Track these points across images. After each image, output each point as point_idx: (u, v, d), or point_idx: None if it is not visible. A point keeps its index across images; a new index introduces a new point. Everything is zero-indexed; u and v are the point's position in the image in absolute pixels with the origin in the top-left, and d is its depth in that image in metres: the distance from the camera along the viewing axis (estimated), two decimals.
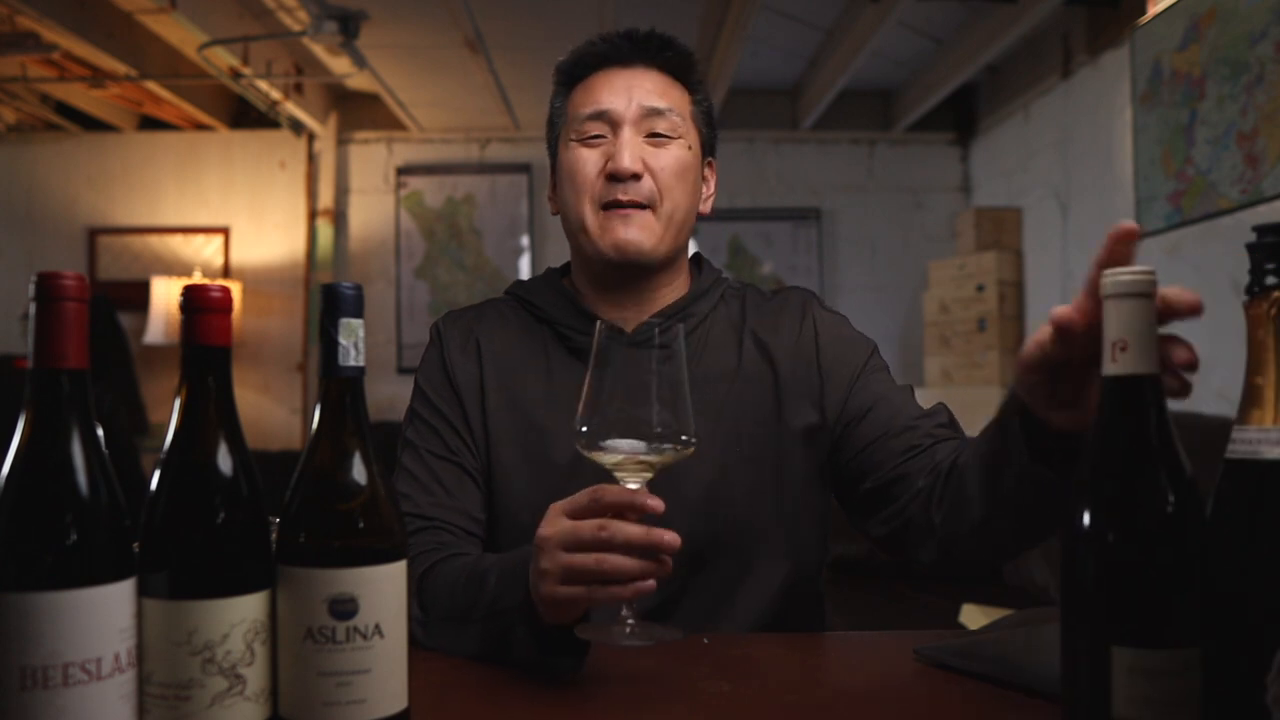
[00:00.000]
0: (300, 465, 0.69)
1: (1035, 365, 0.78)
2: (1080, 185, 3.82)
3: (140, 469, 3.22)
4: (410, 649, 0.70)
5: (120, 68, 3.81)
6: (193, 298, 0.66)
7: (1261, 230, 0.61)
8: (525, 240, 4.95)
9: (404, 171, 4.96)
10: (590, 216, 1.13)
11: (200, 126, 4.80)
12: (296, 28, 3.71)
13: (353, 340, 0.69)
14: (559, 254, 1.30)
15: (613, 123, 1.14)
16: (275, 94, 4.20)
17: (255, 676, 0.64)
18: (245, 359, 4.71)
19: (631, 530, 0.78)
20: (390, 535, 0.69)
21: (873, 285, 4.96)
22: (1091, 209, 3.73)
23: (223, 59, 3.79)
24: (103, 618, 0.59)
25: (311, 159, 4.89)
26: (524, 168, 4.95)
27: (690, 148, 1.16)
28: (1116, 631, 0.61)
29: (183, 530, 0.64)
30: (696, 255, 1.27)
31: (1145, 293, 0.63)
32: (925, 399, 1.13)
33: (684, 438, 0.83)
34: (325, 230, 4.89)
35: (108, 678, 0.59)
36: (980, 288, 4.23)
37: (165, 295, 4.42)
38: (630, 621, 0.82)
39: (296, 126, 4.70)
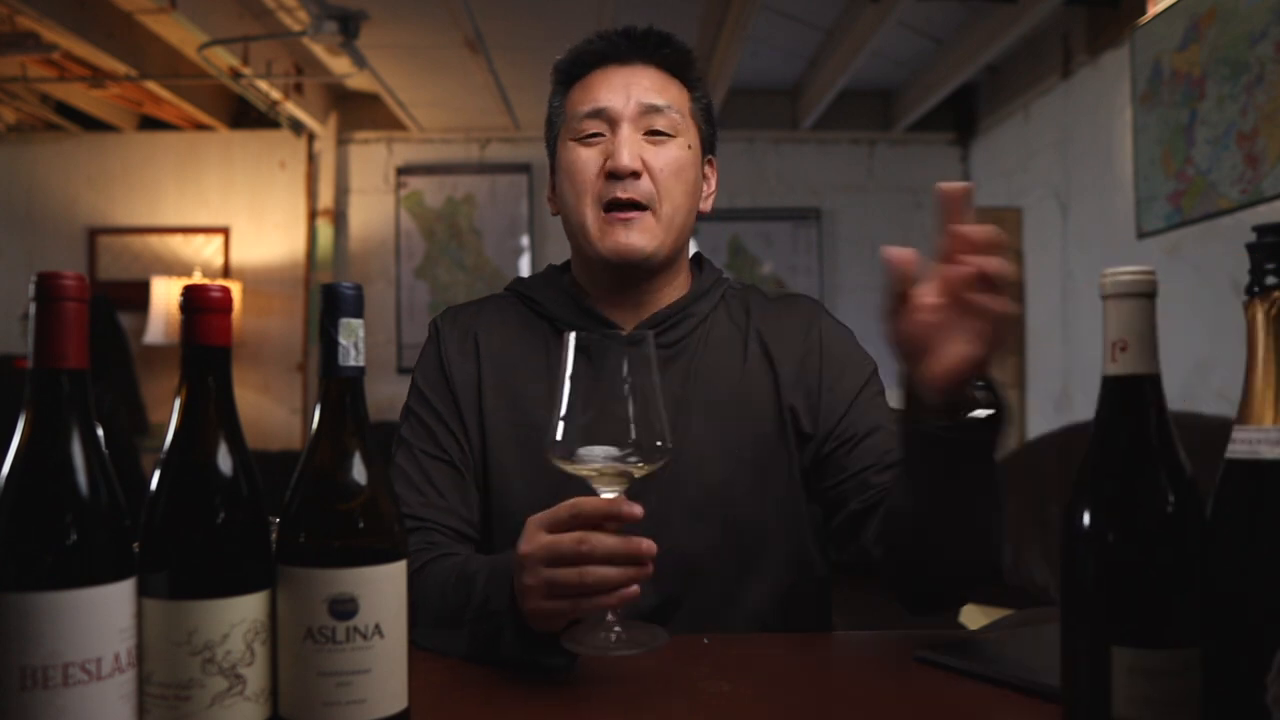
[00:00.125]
0: (300, 465, 0.69)
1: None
2: (1080, 185, 3.82)
3: (140, 469, 3.22)
4: (410, 649, 0.70)
5: (120, 68, 3.81)
6: (193, 298, 0.66)
7: (1261, 230, 0.61)
8: (525, 240, 4.95)
9: (404, 171, 4.96)
10: (591, 218, 1.13)
11: (200, 126, 4.80)
12: (296, 28, 3.71)
13: (353, 340, 0.69)
14: (559, 254, 1.29)
15: (611, 120, 1.13)
16: (275, 94, 4.20)
17: (255, 676, 0.64)
18: (245, 359, 4.70)
19: (610, 542, 0.79)
20: (390, 535, 0.69)
21: (873, 285, 4.95)
22: (1091, 209, 3.73)
23: (223, 59, 3.79)
24: (103, 618, 0.59)
25: (311, 159, 4.89)
26: (524, 168, 4.95)
27: (690, 146, 1.16)
28: (1116, 631, 0.61)
29: (183, 530, 0.64)
30: (697, 255, 1.27)
31: (1145, 293, 0.63)
32: None
33: (658, 444, 0.83)
34: (325, 230, 4.89)
35: (108, 678, 0.59)
36: None
37: (165, 295, 4.41)
38: (617, 629, 0.82)
39: (296, 126, 4.70)
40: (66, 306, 0.61)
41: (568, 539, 0.80)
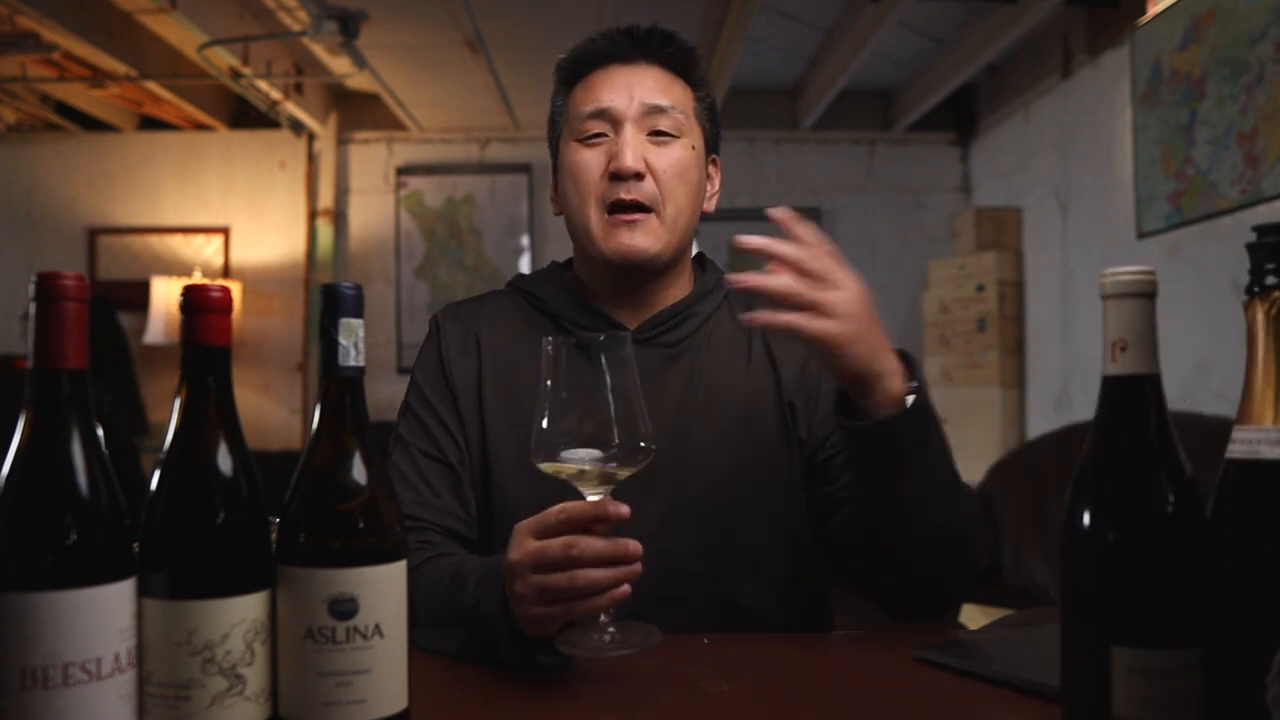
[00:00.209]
0: (300, 465, 0.69)
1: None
2: (1080, 185, 3.82)
3: (140, 469, 3.22)
4: (410, 649, 0.70)
5: (120, 68, 3.81)
6: (193, 298, 0.66)
7: (1261, 230, 0.61)
8: (525, 240, 4.95)
9: (404, 171, 4.96)
10: (594, 219, 1.12)
11: (200, 126, 4.80)
12: (296, 28, 3.71)
13: (353, 340, 0.69)
14: (559, 254, 1.29)
15: (614, 121, 1.13)
16: (275, 94, 4.20)
17: (255, 676, 0.64)
18: (245, 359, 4.71)
19: (598, 544, 0.80)
20: (390, 535, 0.69)
21: (873, 285, 4.82)
22: (1091, 209, 3.73)
23: (223, 59, 3.79)
24: (103, 618, 0.59)
25: (311, 159, 4.89)
26: (524, 168, 4.95)
27: (693, 147, 1.15)
28: (1116, 631, 0.61)
29: (183, 530, 0.64)
30: (700, 255, 1.27)
31: (1145, 293, 0.63)
32: None
33: (641, 445, 0.83)
34: (325, 230, 4.89)
35: (108, 678, 0.59)
36: (980, 288, 4.23)
37: (165, 295, 4.42)
38: (611, 629, 0.83)
39: (296, 126, 4.70)
40: (66, 306, 0.61)
41: (556, 544, 0.81)
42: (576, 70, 1.18)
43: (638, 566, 0.81)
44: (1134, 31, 3.27)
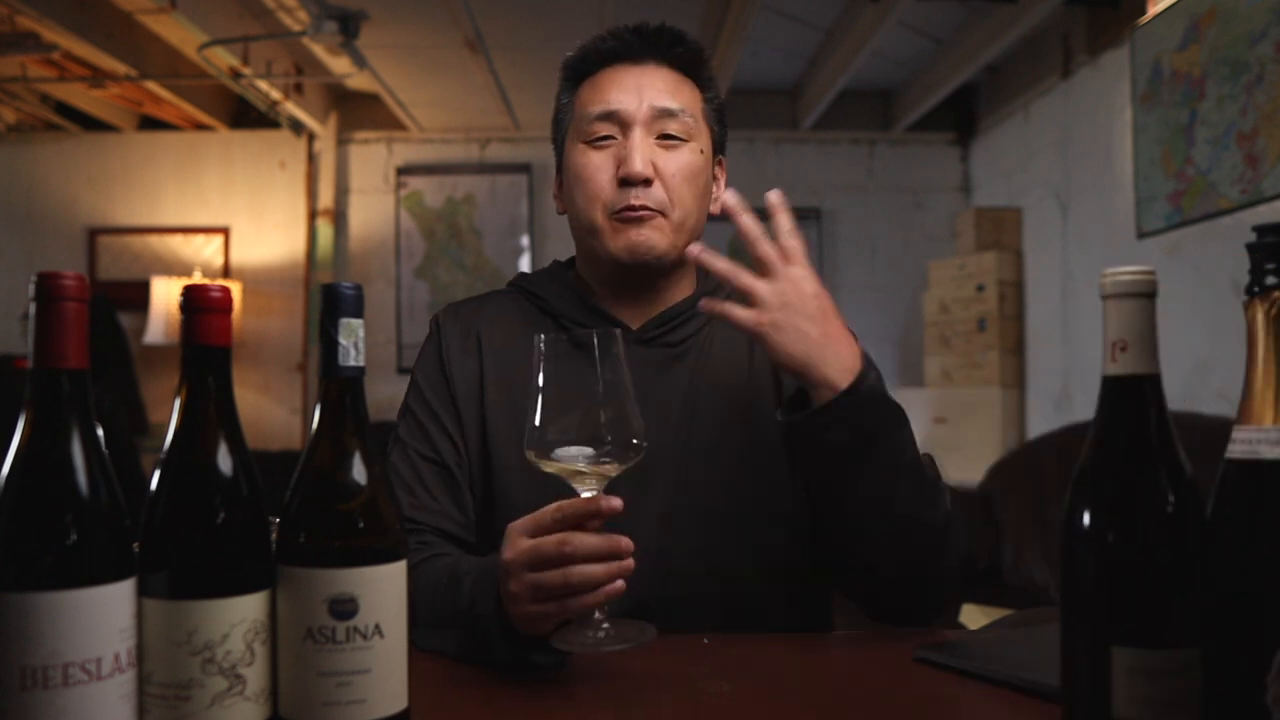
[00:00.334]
0: (300, 465, 0.69)
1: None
2: (1080, 185, 3.82)
3: (140, 469, 3.22)
4: (410, 649, 0.70)
5: (120, 68, 3.81)
6: (193, 298, 0.66)
7: (1261, 230, 0.61)
8: (525, 240, 4.95)
9: (404, 171, 4.96)
10: (602, 222, 1.12)
11: (200, 126, 4.80)
12: (296, 28, 3.71)
13: (353, 340, 0.69)
14: (559, 254, 1.29)
15: (623, 124, 1.11)
16: (275, 94, 4.20)
17: (255, 676, 0.64)
18: (245, 359, 4.71)
19: (591, 540, 0.80)
20: (390, 535, 0.69)
21: (873, 285, 4.96)
22: (1091, 209, 3.73)
23: (223, 59, 3.79)
24: (103, 618, 0.59)
25: (311, 159, 4.89)
26: (524, 168, 4.94)
27: (702, 151, 1.15)
28: (1116, 631, 0.61)
29: (183, 530, 0.64)
30: None
31: (1145, 293, 0.63)
32: (925, 399, 1.14)
33: (633, 442, 0.84)
34: (325, 230, 4.89)
35: (108, 678, 0.59)
36: (980, 288, 4.23)
37: (165, 295, 4.42)
38: (605, 626, 0.83)
39: (296, 126, 4.70)
40: (66, 306, 0.61)
41: (549, 541, 0.81)
42: (583, 69, 1.17)
43: (631, 562, 0.81)
44: (1134, 31, 3.27)
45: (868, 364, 1.00)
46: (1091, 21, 3.69)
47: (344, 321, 0.68)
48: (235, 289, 4.63)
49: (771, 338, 0.97)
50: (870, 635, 1.06)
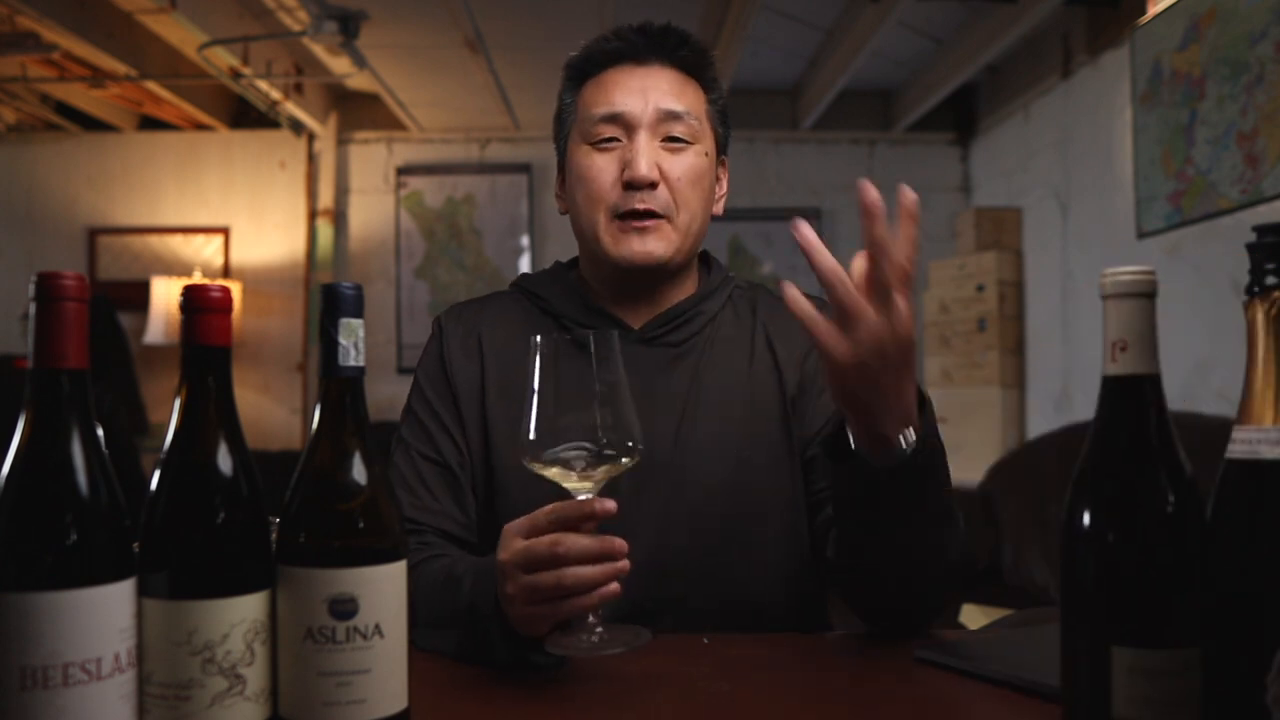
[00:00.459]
0: (300, 465, 0.69)
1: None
2: (1080, 185, 3.82)
3: (140, 469, 3.22)
4: (410, 649, 0.70)
5: (120, 68, 3.81)
6: (193, 298, 0.66)
7: (1261, 230, 0.61)
8: (525, 240, 4.95)
9: (404, 171, 4.96)
10: (605, 225, 1.11)
11: (200, 126, 4.80)
12: (296, 28, 3.71)
13: (353, 340, 0.69)
14: (559, 254, 1.29)
15: (627, 126, 1.11)
16: (275, 94, 4.20)
17: (255, 676, 0.64)
18: (245, 359, 4.71)
19: (585, 542, 0.80)
20: (390, 535, 0.68)
21: None
22: (1091, 209, 3.73)
23: (223, 59, 3.79)
24: (103, 618, 0.59)
25: (311, 159, 4.89)
26: (524, 168, 4.94)
27: (706, 154, 1.14)
28: (1116, 631, 0.61)
29: (183, 530, 0.64)
30: (705, 254, 1.26)
31: (1145, 293, 0.63)
32: None
33: (629, 444, 0.83)
34: (325, 230, 4.89)
35: (108, 678, 0.59)
36: (980, 288, 4.23)
37: (165, 295, 4.42)
38: (599, 629, 0.83)
39: (296, 126, 4.70)
40: (66, 306, 0.61)
41: (543, 543, 0.81)
42: (587, 69, 1.16)
43: (625, 563, 0.81)
44: (1134, 31, 3.27)
45: (926, 415, 0.90)
46: (1091, 21, 3.69)
47: (344, 321, 0.68)
48: (235, 289, 4.63)
49: (849, 378, 0.83)
50: (870, 635, 1.06)
